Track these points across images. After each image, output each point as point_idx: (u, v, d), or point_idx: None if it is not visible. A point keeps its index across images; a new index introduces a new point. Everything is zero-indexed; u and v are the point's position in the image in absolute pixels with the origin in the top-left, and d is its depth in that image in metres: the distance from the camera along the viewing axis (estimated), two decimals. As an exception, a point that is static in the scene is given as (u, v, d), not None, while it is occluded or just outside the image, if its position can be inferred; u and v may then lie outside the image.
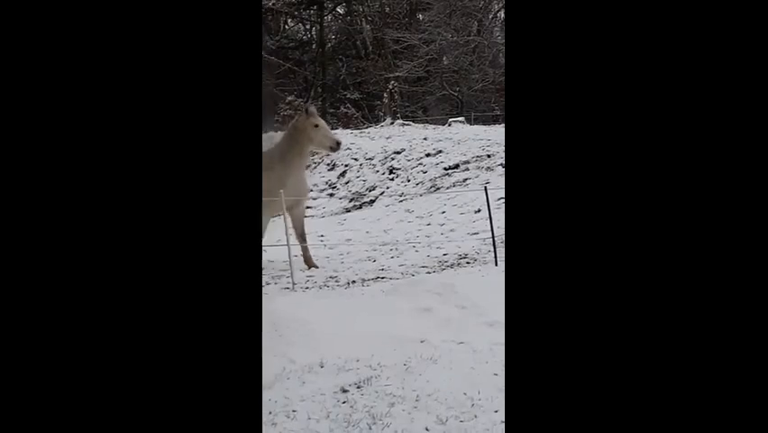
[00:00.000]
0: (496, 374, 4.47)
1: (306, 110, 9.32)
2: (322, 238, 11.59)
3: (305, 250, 9.01)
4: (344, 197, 15.21)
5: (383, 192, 15.00)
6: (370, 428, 3.87)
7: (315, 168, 17.13)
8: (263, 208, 8.74)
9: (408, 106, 33.18)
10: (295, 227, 8.98)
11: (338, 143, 9.44)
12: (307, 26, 37.43)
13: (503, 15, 39.25)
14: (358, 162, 16.39)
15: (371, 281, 7.86)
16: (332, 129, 22.51)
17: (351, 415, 4.06)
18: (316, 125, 9.11)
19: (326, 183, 16.41)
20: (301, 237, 8.97)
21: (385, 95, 26.10)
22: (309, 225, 13.14)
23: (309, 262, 8.94)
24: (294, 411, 4.14)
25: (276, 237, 10.64)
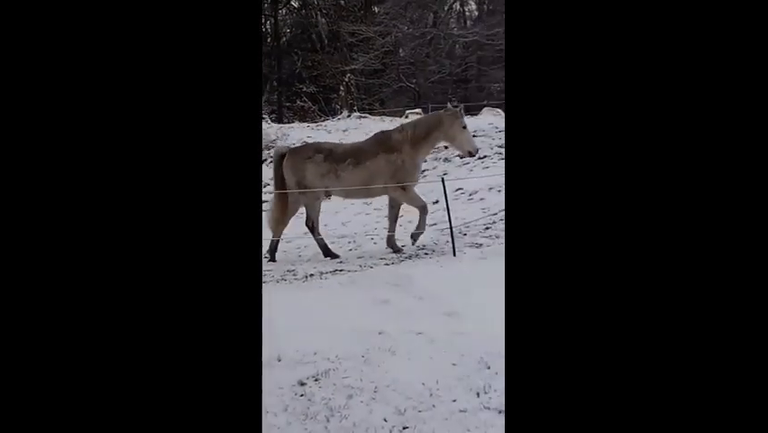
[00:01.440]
0: (454, 364, 4.48)
1: (457, 109, 9.48)
2: (279, 232, 11.51)
3: (421, 223, 9.19)
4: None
5: (341, 185, 14.96)
6: (329, 421, 3.86)
7: (271, 162, 17.00)
8: (391, 189, 9.07)
9: (365, 99, 33.15)
10: (412, 206, 9.22)
11: (477, 150, 9.90)
12: (262, 20, 37.17)
13: (458, 7, 39.42)
14: (315, 156, 16.32)
15: (329, 274, 7.84)
16: (288, 123, 22.28)
17: (309, 408, 4.04)
18: (464, 127, 9.29)
19: (283, 177, 16.30)
20: (420, 210, 9.19)
21: (341, 87, 26.03)
22: (265, 220, 13.06)
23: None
24: (251, 406, 4.11)
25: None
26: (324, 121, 22.26)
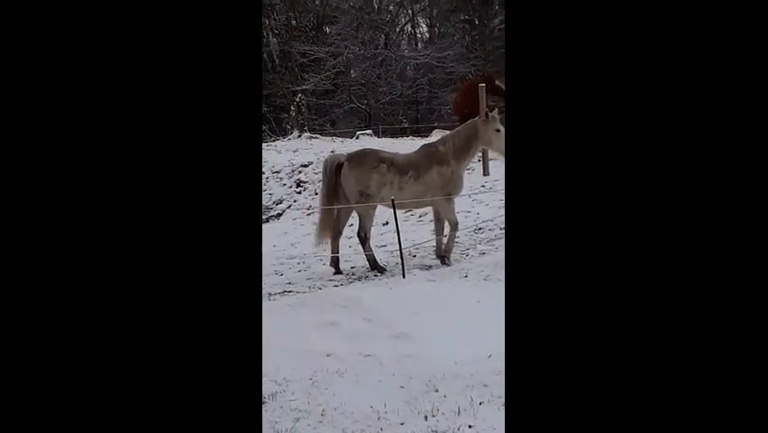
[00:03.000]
0: (402, 387, 4.47)
1: (488, 114, 9.40)
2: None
3: (451, 238, 9.31)
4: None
5: (290, 205, 14.91)
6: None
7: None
8: (440, 202, 9.10)
9: (316, 119, 33.15)
10: (447, 219, 9.33)
11: None
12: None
13: (410, 29, 39.72)
14: (265, 176, 16.25)
15: (278, 295, 7.79)
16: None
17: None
18: (498, 130, 9.22)
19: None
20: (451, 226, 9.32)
21: (292, 108, 25.97)
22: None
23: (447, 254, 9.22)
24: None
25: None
26: (274, 141, 22.20)
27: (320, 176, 14.90)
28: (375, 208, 9.15)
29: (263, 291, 8.02)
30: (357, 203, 8.92)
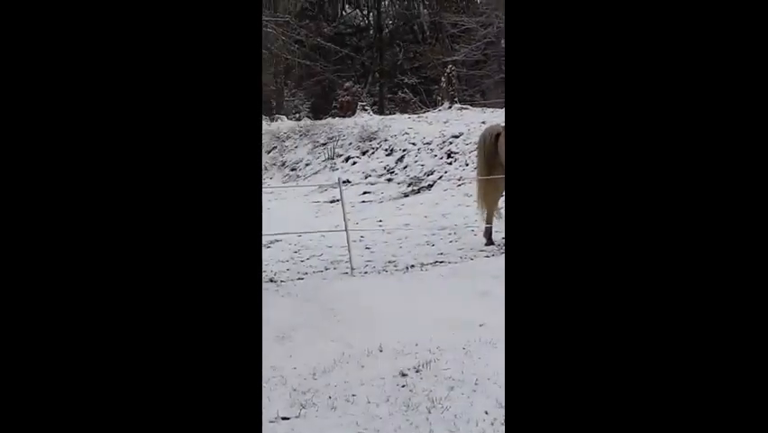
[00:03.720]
0: (556, 358, 4.42)
1: None
2: (380, 223, 11.60)
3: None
4: (402, 182, 15.17)
5: (441, 176, 14.90)
6: (430, 412, 3.87)
7: (374, 153, 17.14)
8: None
9: (466, 90, 32.89)
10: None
11: None
12: (365, 12, 37.36)
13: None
14: (416, 147, 16.31)
15: (430, 266, 7.84)
16: (389, 114, 22.27)
17: (410, 399, 4.06)
18: None
19: (384, 168, 16.39)
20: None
21: (443, 79, 25.86)
22: (368, 211, 13.18)
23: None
24: (353, 396, 4.16)
25: (334, 222, 10.69)
26: (425, 112, 22.23)
27: (471, 147, 14.85)
28: None
29: (415, 261, 8.11)
30: None
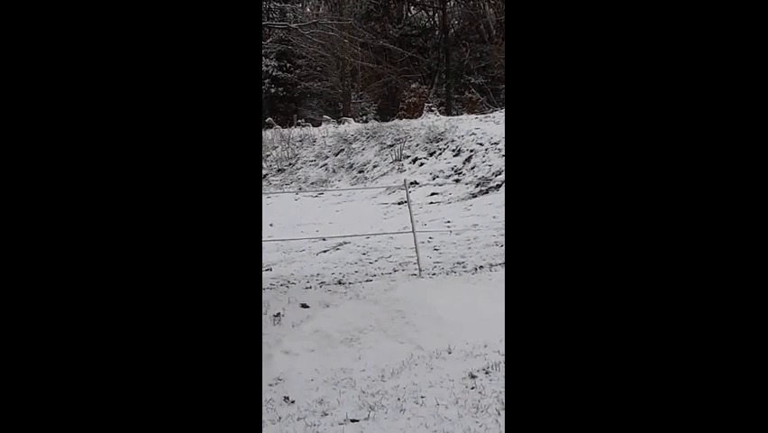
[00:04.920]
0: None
1: None
2: (448, 224, 11.56)
3: None
4: (470, 182, 15.09)
5: (510, 176, 14.77)
6: (499, 414, 3.82)
7: (441, 154, 17.10)
8: None
9: (534, 89, 32.56)
10: None
11: None
12: (430, 13, 37.35)
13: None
14: (483, 147, 16.21)
15: (499, 267, 7.77)
16: (456, 115, 22.20)
17: (480, 401, 4.02)
18: None
19: (452, 169, 16.34)
20: None
21: (510, 78, 25.64)
22: (436, 212, 13.15)
23: None
24: (423, 397, 4.14)
25: (402, 224, 10.70)
26: (492, 112, 22.10)
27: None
28: None
29: (484, 262, 8.04)
30: None
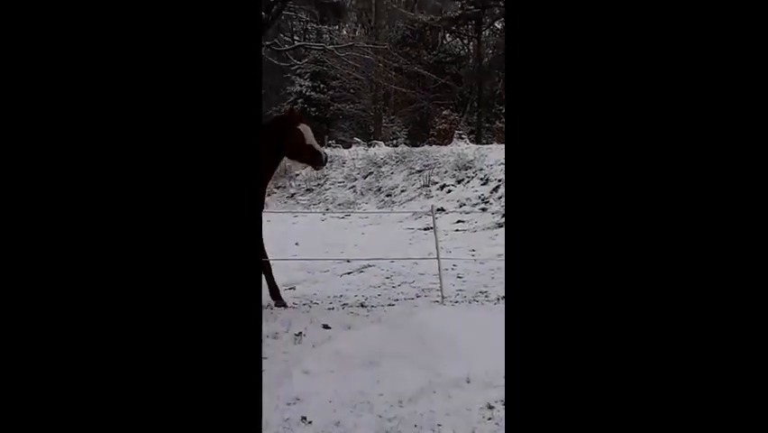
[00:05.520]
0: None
1: None
2: (473, 252, 11.56)
3: None
4: (497, 212, 15.09)
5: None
6: (515, 447, 3.81)
7: (469, 182, 17.12)
8: None
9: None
10: None
11: None
12: (465, 41, 37.53)
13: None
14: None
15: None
16: (486, 144, 22.25)
17: (497, 432, 4.01)
18: None
19: (479, 198, 16.35)
20: None
21: (541, 109, 25.67)
22: (461, 240, 13.15)
23: None
24: (439, 426, 4.14)
25: (427, 250, 10.71)
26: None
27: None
28: None
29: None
30: None
